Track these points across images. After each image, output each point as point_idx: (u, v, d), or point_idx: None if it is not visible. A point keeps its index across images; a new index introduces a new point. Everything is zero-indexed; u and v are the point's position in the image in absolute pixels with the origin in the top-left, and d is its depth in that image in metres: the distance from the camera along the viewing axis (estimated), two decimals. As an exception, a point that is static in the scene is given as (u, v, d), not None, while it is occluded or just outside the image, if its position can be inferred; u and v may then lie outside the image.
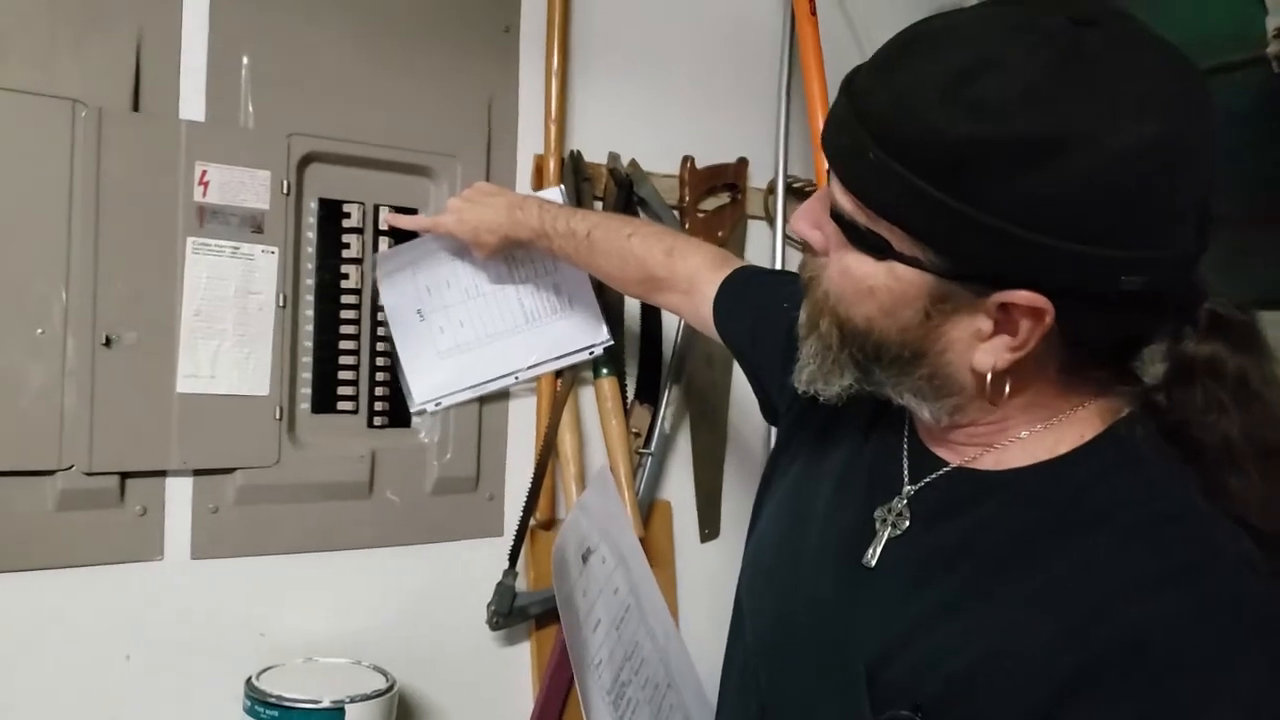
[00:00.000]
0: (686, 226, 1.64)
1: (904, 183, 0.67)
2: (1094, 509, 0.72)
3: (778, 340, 1.04)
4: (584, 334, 1.49)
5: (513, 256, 1.46)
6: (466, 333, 1.44)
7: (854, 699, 0.76)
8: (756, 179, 1.73)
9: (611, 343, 1.51)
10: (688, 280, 1.22)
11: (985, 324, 0.71)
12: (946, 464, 0.81)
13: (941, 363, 0.75)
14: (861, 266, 0.73)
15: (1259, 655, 0.65)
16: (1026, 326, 0.70)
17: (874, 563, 0.80)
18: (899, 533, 0.80)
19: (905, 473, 0.83)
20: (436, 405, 1.44)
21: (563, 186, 1.48)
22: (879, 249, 0.72)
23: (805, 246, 0.82)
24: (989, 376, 0.73)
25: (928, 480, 0.81)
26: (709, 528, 1.70)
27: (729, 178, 1.69)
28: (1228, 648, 0.65)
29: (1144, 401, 0.76)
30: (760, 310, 1.11)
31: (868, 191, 0.71)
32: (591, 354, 1.50)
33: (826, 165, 0.75)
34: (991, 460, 0.78)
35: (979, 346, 0.73)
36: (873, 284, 0.73)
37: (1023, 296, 0.68)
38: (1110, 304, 0.68)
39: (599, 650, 1.09)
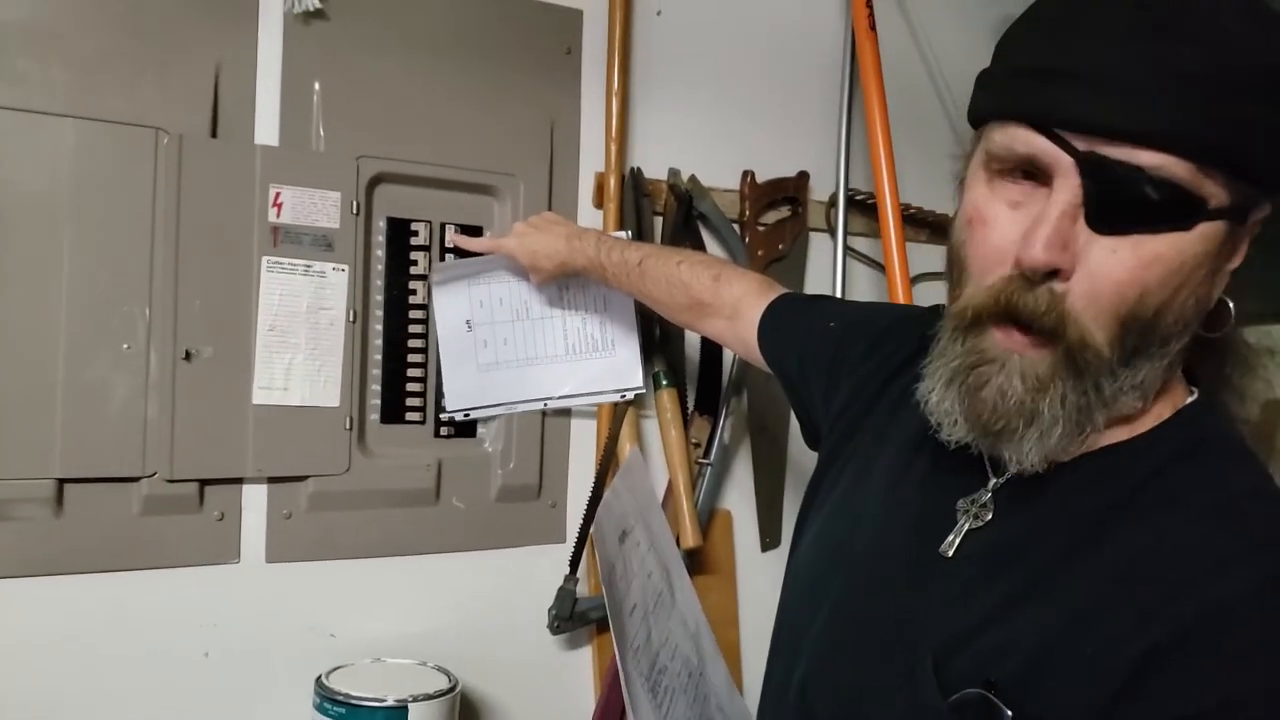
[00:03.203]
0: (747, 240, 1.66)
1: (1244, 116, 0.67)
2: (1168, 491, 0.72)
3: (824, 360, 1.05)
4: (619, 377, 1.54)
5: (565, 289, 1.51)
6: (508, 351, 1.49)
7: (921, 685, 0.75)
8: (817, 192, 1.74)
9: (643, 390, 1.55)
10: (732, 306, 1.24)
11: (1241, 251, 0.73)
12: None
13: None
14: (1174, 245, 0.69)
15: None
16: (1244, 246, 0.73)
17: (951, 552, 0.79)
18: (980, 524, 0.79)
19: (988, 465, 0.81)
20: (465, 415, 1.48)
21: (628, 231, 1.52)
22: (1193, 213, 0.68)
23: (1019, 284, 0.71)
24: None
25: (1012, 473, 0.79)
26: (769, 537, 1.72)
27: (789, 191, 1.71)
28: None
29: (1205, 388, 0.77)
30: (806, 334, 1.11)
31: (1206, 141, 0.67)
32: (623, 396, 1.54)
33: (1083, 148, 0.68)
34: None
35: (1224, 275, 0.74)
36: (1184, 258, 0.69)
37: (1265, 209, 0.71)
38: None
39: (636, 635, 1.11)
